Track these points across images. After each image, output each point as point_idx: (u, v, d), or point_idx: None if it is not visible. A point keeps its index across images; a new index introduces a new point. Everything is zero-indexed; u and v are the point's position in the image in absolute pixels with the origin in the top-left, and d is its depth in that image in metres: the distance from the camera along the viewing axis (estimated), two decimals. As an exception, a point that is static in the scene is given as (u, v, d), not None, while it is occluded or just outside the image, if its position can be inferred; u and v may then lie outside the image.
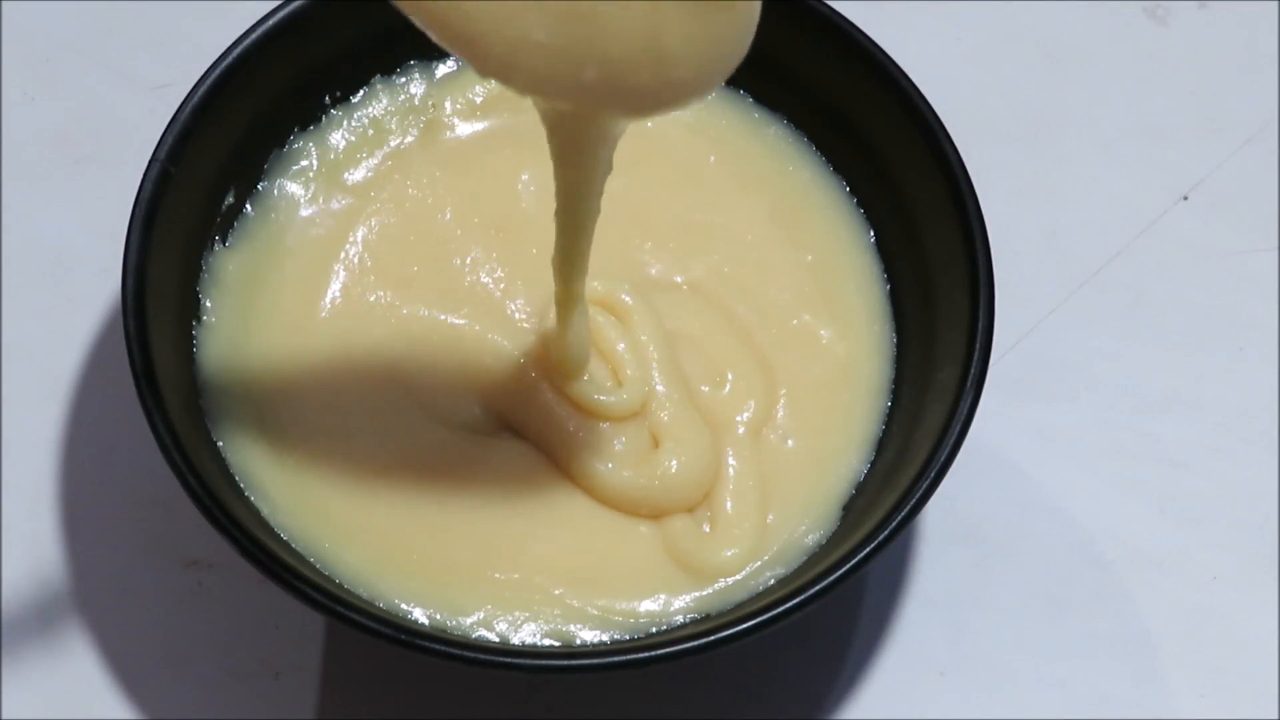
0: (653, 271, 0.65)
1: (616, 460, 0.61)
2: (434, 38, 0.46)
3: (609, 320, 0.63)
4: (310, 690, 0.64)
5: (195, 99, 0.61)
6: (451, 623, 0.58)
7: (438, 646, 0.55)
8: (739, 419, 0.62)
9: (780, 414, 0.63)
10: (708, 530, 0.61)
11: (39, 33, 0.75)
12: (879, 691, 0.65)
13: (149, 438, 0.56)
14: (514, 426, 0.61)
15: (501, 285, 0.64)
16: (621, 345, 0.62)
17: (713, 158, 0.67)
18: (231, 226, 0.64)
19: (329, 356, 0.62)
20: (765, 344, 0.64)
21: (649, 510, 0.61)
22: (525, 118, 0.66)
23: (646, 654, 0.55)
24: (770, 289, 0.65)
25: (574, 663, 0.56)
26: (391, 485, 0.60)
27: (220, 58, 0.62)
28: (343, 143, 0.66)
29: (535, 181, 0.65)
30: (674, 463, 0.61)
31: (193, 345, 0.62)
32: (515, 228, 0.65)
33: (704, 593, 0.60)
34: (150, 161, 0.60)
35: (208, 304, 0.62)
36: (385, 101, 0.66)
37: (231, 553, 0.55)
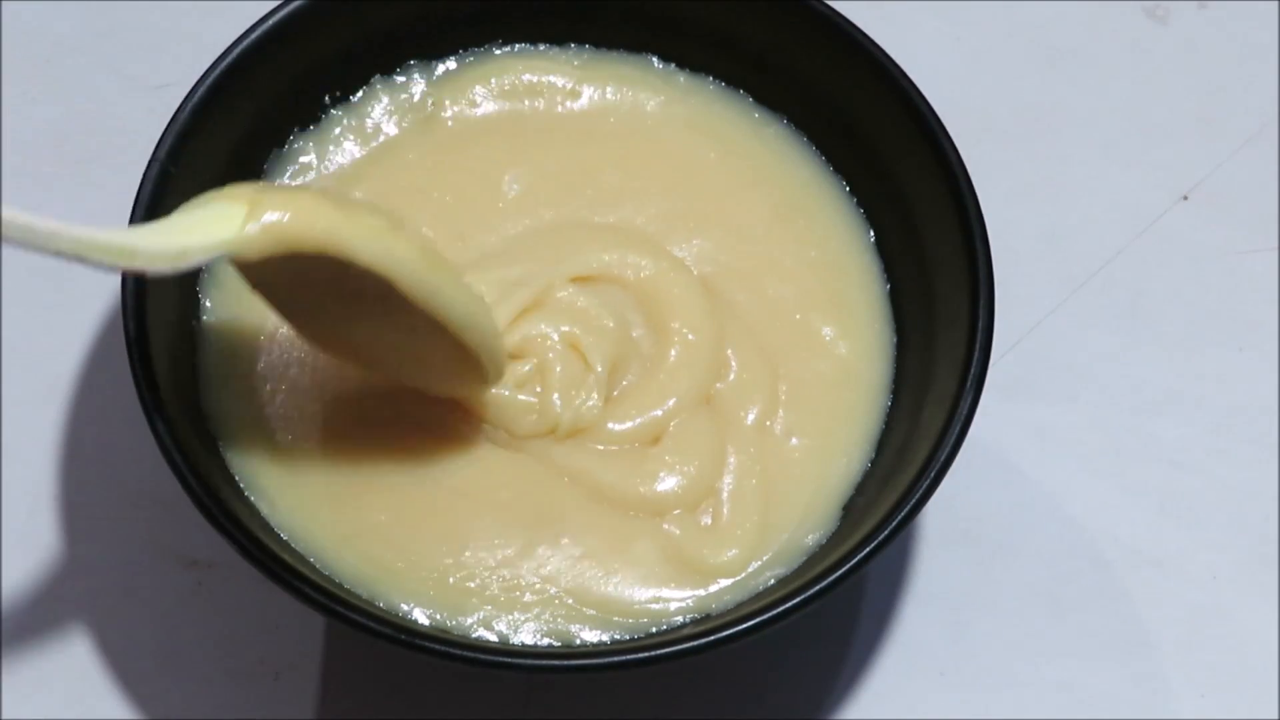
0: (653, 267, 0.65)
1: (609, 464, 0.61)
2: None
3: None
4: (310, 690, 0.64)
5: (195, 99, 0.61)
6: (451, 623, 0.58)
7: (438, 646, 0.55)
8: (743, 415, 0.62)
9: (783, 411, 0.62)
10: (708, 528, 0.61)
11: (39, 33, 0.75)
12: (879, 691, 0.65)
13: (149, 438, 0.56)
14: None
15: (500, 285, 0.63)
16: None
17: (713, 155, 0.67)
18: (231, 226, 0.64)
19: (329, 357, 0.62)
20: (769, 339, 0.64)
21: (646, 511, 0.61)
22: (526, 119, 0.66)
23: (646, 654, 0.55)
24: (773, 283, 0.65)
25: (574, 663, 0.56)
26: (390, 485, 0.60)
27: (220, 58, 0.62)
28: (342, 142, 0.66)
29: (521, 178, 0.65)
30: (674, 474, 0.60)
31: (193, 345, 0.62)
32: (515, 227, 0.65)
33: (704, 593, 0.59)
34: (150, 161, 0.60)
35: (208, 304, 0.62)
36: (385, 101, 0.66)
37: (231, 553, 0.55)
